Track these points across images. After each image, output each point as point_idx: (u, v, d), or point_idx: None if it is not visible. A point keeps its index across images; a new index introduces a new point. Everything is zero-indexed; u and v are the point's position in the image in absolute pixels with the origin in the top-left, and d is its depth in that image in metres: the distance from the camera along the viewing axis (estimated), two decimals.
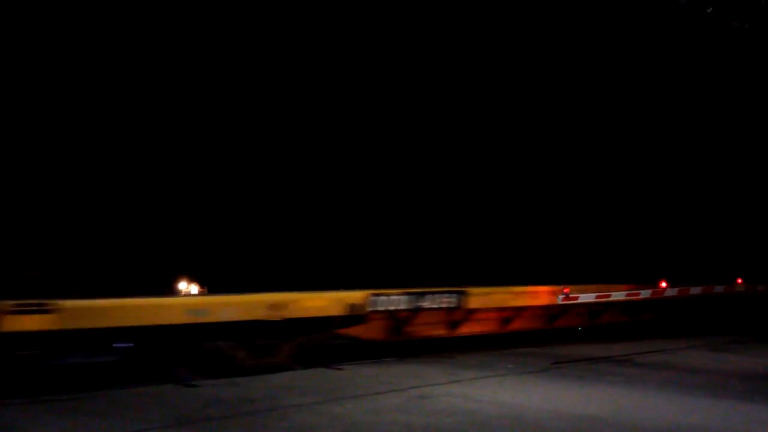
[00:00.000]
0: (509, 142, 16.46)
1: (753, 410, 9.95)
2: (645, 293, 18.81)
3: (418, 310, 13.98)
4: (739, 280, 21.61)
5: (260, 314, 11.72)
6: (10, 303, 9.22)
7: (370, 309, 12.97)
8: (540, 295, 16.48)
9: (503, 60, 16.08)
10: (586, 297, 17.59)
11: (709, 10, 17.57)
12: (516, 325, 16.72)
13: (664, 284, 19.41)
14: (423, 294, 13.80)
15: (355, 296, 12.83)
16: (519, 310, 16.48)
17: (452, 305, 14.40)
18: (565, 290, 17.13)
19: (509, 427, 8.63)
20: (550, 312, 17.36)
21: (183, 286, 12.67)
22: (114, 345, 11.91)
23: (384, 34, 13.84)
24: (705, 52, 20.22)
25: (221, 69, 11.82)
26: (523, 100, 16.62)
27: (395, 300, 13.39)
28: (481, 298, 15.01)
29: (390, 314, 13.80)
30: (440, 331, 15.26)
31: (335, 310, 12.62)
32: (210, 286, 12.08)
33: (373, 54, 13.68)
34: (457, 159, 15.59)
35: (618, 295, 18.24)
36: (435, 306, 14.07)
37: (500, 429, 8.52)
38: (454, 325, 15.42)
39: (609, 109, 18.95)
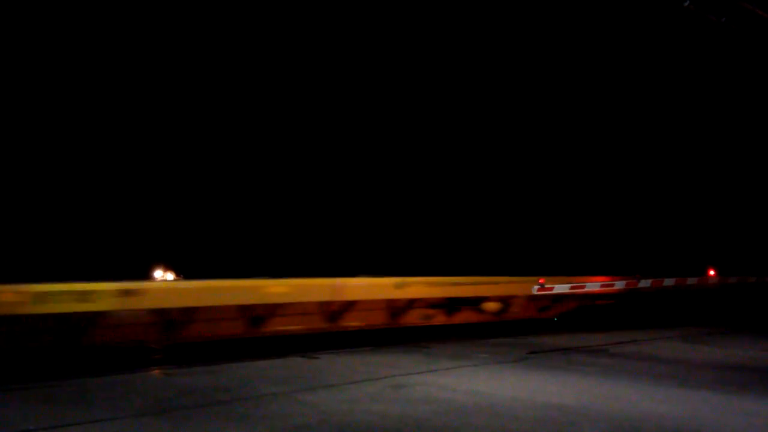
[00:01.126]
0: (486, 143, 16.59)
1: (723, 400, 10.07)
2: (619, 284, 18.99)
3: None
4: (712, 272, 21.86)
5: None
6: None
7: None
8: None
9: (481, 64, 16.21)
10: (561, 288, 17.73)
11: (686, 4, 17.68)
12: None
13: (638, 276, 19.62)
14: None
15: None
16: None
17: None
18: (540, 281, 17.26)
19: (483, 415, 8.67)
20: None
21: (159, 274, 12.63)
22: None
23: (390, 35, 13.82)
24: (682, 45, 20.39)
25: (196, 65, 11.76)
26: (497, 100, 16.75)
27: None
28: None
29: None
30: None
31: None
32: (185, 274, 12.06)
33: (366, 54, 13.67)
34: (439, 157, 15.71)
35: (592, 287, 18.39)
36: None
37: (474, 418, 8.56)
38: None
39: (583, 110, 19.15)
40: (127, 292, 12.09)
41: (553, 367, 12.52)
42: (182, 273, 12.64)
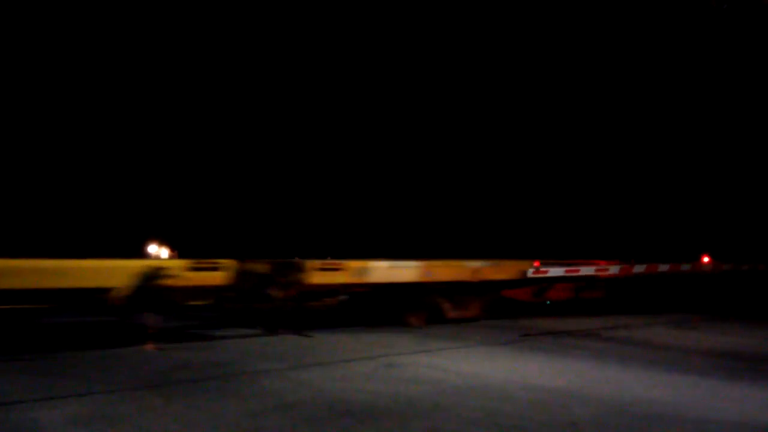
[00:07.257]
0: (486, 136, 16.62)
1: (713, 386, 10.15)
2: (614, 269, 19.04)
3: None
4: (706, 259, 21.93)
5: None
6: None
7: None
8: None
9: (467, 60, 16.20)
10: (556, 271, 17.78)
11: None
12: None
13: (632, 261, 19.67)
14: None
15: None
16: None
17: None
18: (535, 264, 17.31)
19: (475, 396, 8.72)
20: None
21: (153, 249, 12.65)
22: None
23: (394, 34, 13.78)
24: (682, 31, 20.36)
25: (190, 53, 11.75)
26: (496, 100, 16.77)
27: None
28: None
29: None
30: None
31: None
32: (180, 251, 12.08)
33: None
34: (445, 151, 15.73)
35: (587, 271, 18.45)
36: None
37: (466, 398, 8.61)
38: None
39: (580, 102, 19.15)
40: None
41: (546, 350, 12.58)
42: (177, 249, 12.65)
